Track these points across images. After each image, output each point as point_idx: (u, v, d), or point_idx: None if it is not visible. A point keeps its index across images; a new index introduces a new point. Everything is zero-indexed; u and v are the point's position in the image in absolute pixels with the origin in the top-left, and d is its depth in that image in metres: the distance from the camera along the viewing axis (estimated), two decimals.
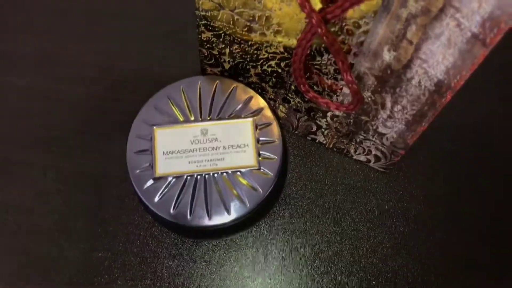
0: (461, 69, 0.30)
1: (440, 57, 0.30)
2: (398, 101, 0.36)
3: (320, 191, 0.44)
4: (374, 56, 0.33)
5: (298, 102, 0.42)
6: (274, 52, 0.38)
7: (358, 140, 0.43)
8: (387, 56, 0.33)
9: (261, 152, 0.38)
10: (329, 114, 0.42)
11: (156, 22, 0.50)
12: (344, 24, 0.32)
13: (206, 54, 0.41)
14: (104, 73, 0.48)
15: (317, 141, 0.46)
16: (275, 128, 0.38)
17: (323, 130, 0.44)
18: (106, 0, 0.51)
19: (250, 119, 0.38)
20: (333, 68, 0.36)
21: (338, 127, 0.42)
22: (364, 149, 0.43)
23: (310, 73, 0.38)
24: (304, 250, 0.42)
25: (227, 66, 0.42)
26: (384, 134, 0.40)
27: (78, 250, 0.43)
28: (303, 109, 0.43)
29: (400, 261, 0.42)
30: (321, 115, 0.42)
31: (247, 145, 0.38)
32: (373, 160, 0.44)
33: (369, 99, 0.37)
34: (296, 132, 0.46)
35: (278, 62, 0.39)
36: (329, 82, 0.38)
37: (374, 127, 0.40)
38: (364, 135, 0.42)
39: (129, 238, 0.43)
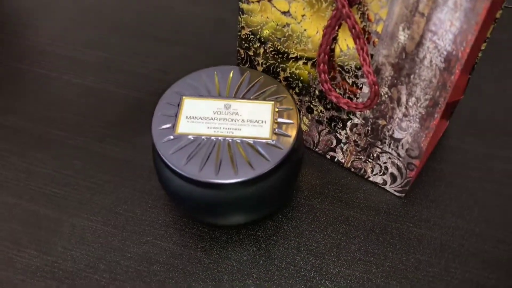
0: (467, 33, 0.32)
1: (448, 25, 0.33)
2: (412, 92, 0.38)
3: (329, 205, 0.45)
4: (391, 39, 0.37)
5: (321, 111, 0.45)
6: (302, 50, 0.42)
7: (375, 155, 0.44)
8: (402, 36, 0.36)
9: (277, 129, 0.40)
10: (348, 124, 0.44)
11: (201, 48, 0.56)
12: (365, 8, 0.37)
13: (243, 55, 0.46)
14: (148, 81, 0.54)
15: (335, 159, 0.47)
16: (293, 113, 0.40)
17: (342, 145, 0.45)
18: (153, 24, 0.58)
19: (272, 102, 0.41)
20: (354, 63, 0.40)
21: (357, 139, 0.44)
22: (380, 167, 0.44)
23: (333, 72, 0.41)
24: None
25: (260, 68, 0.46)
26: (399, 140, 0.41)
27: (85, 219, 0.44)
28: (325, 119, 0.45)
29: None
30: (341, 125, 0.44)
31: (265, 122, 0.40)
32: (389, 181, 0.44)
33: (386, 95, 0.40)
34: (317, 149, 0.47)
35: (305, 62, 0.43)
36: (350, 81, 0.41)
37: (390, 132, 0.41)
38: (381, 146, 0.43)
39: (142, 216, 0.44)
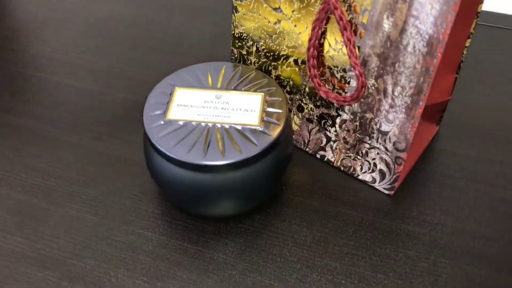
0: (446, 14, 0.34)
1: (429, 8, 0.34)
2: (397, 81, 0.39)
3: (318, 201, 0.45)
4: (376, 28, 0.38)
5: (311, 109, 0.46)
6: (293, 46, 0.43)
7: (364, 151, 0.44)
8: (387, 24, 0.37)
9: (265, 118, 0.40)
10: (338, 120, 0.45)
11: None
12: (352, 1, 0.38)
13: (236, 55, 0.47)
14: (147, 86, 0.55)
15: (325, 159, 0.47)
16: (282, 104, 0.41)
17: (332, 143, 0.46)
18: (155, 37, 0.60)
19: (262, 94, 0.42)
20: (342, 57, 0.41)
21: (346, 136, 0.45)
22: (369, 163, 0.44)
23: (323, 68, 0.43)
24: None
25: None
26: (387, 133, 0.42)
27: (74, 210, 0.44)
28: (315, 117, 0.46)
29: None
30: (330, 123, 0.45)
31: (254, 111, 0.41)
32: (378, 179, 0.45)
33: (373, 87, 0.41)
34: (307, 149, 0.48)
35: (296, 59, 0.44)
36: (338, 76, 0.42)
37: (378, 126, 0.42)
38: (369, 142, 0.43)
39: (131, 208, 0.44)
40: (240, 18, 0.45)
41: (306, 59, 0.43)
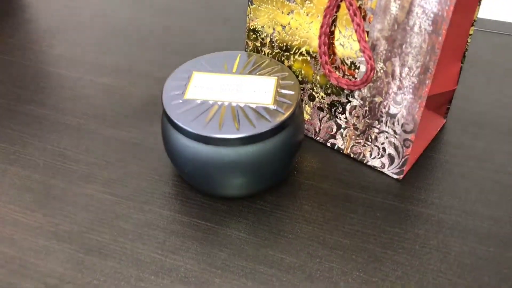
0: None
1: None
2: (405, 62, 0.41)
3: (329, 185, 0.46)
4: (384, 12, 0.40)
5: (322, 97, 0.48)
6: (305, 36, 0.46)
7: (373, 136, 0.46)
8: (394, 7, 0.40)
9: (278, 98, 0.42)
10: (348, 107, 0.46)
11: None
12: None
13: (251, 46, 0.50)
14: (160, 82, 0.57)
15: (336, 146, 0.49)
16: (295, 86, 0.43)
17: (342, 130, 0.48)
18: (174, 41, 0.63)
19: (275, 77, 0.44)
20: (352, 43, 0.43)
21: (356, 122, 0.46)
22: (378, 149, 0.46)
23: (333, 55, 0.45)
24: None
25: None
26: (395, 116, 0.43)
27: (92, 190, 0.46)
28: (325, 105, 0.48)
29: None
30: (341, 110, 0.47)
31: (268, 92, 0.43)
32: (387, 164, 0.46)
33: (382, 71, 0.43)
34: (318, 138, 0.50)
35: (308, 48, 0.46)
36: (348, 62, 0.45)
37: (387, 109, 0.44)
38: (378, 126, 0.45)
39: (148, 189, 0.46)
40: (255, 10, 0.47)
41: (317, 47, 0.45)
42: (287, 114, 0.41)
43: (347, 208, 0.44)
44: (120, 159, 0.48)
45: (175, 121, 0.40)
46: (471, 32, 0.44)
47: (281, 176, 0.45)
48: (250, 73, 0.45)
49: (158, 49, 0.62)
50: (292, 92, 0.43)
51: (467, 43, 0.45)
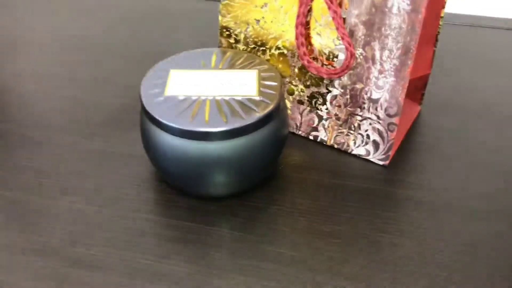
0: None
1: None
2: (384, 45, 0.41)
3: (317, 176, 0.45)
4: None
5: (301, 90, 0.47)
6: (280, 29, 0.46)
7: (356, 124, 0.46)
8: None
9: (262, 89, 0.42)
10: (328, 97, 0.46)
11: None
12: None
13: (224, 44, 0.49)
14: (134, 89, 0.56)
15: (318, 139, 0.48)
16: (276, 77, 0.43)
17: (324, 122, 0.47)
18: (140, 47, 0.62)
19: (256, 70, 0.44)
20: (329, 31, 0.43)
21: (337, 112, 0.46)
22: (362, 136, 0.46)
23: (311, 46, 0.45)
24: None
25: None
26: (377, 101, 0.44)
27: (72, 202, 0.43)
28: (305, 98, 0.47)
29: None
30: (321, 101, 0.47)
31: (251, 84, 0.42)
32: (372, 151, 0.46)
33: (361, 56, 0.43)
34: (299, 132, 0.49)
35: (284, 40, 0.46)
36: (326, 51, 0.44)
37: (368, 94, 0.44)
38: (361, 113, 0.45)
39: (133, 196, 0.44)
40: (227, 6, 0.47)
41: (294, 39, 0.45)
42: (273, 103, 0.40)
43: (338, 197, 0.43)
44: (97, 169, 0.46)
45: (159, 119, 0.39)
46: (442, 14, 0.45)
47: (270, 170, 0.44)
48: (229, 67, 0.44)
49: (118, 59, 0.61)
50: (275, 83, 0.42)
51: (439, 26, 0.46)
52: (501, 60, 0.60)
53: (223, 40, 0.49)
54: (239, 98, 0.40)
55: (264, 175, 0.43)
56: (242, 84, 0.42)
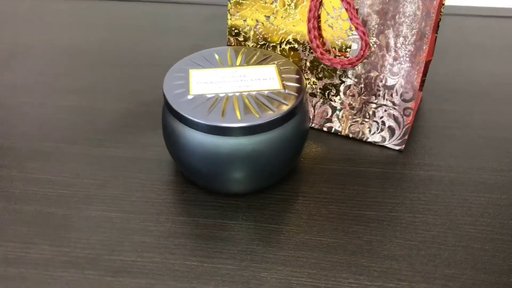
0: None
1: None
2: (399, 33, 0.43)
3: (338, 165, 0.46)
4: None
5: (314, 82, 0.48)
6: (291, 23, 0.46)
7: (370, 112, 0.47)
8: None
9: (285, 83, 0.42)
10: (341, 87, 0.47)
11: None
12: None
13: (233, 43, 0.49)
14: (138, 95, 0.55)
15: (333, 130, 0.49)
16: (295, 69, 0.43)
17: (337, 112, 0.48)
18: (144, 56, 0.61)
19: (274, 64, 0.44)
20: (341, 23, 0.44)
21: (351, 102, 0.47)
22: (377, 123, 0.47)
23: (322, 37, 0.46)
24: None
25: None
26: (393, 87, 0.45)
27: (97, 211, 0.42)
28: (318, 90, 0.48)
29: None
30: (334, 92, 0.48)
31: (273, 78, 0.43)
32: (387, 137, 0.47)
33: (375, 45, 0.44)
34: (313, 125, 0.50)
35: (295, 35, 0.47)
36: (339, 43, 0.46)
37: (384, 82, 0.45)
38: (376, 101, 0.46)
39: (157, 199, 0.43)
40: (236, 5, 0.47)
41: (305, 33, 0.46)
42: (300, 95, 0.41)
43: (363, 184, 0.44)
44: (116, 175, 0.45)
45: (189, 117, 0.39)
46: (444, 1, 0.47)
47: (295, 162, 0.44)
48: (247, 64, 0.44)
49: (113, 66, 0.60)
50: (296, 76, 0.43)
51: (442, 13, 0.48)
52: (486, 45, 0.63)
53: (231, 39, 0.49)
54: (265, 92, 0.41)
55: (290, 167, 0.43)
56: (265, 79, 0.42)
